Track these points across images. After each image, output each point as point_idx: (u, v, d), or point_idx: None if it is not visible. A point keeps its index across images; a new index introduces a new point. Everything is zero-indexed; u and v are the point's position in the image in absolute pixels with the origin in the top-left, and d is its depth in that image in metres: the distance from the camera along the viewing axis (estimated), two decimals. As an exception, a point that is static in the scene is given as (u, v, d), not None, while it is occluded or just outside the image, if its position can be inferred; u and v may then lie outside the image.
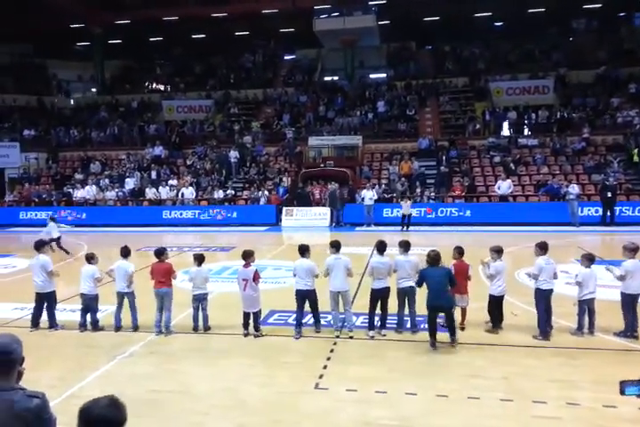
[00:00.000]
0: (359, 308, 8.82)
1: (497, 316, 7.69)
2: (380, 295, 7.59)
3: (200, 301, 7.91)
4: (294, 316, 8.00)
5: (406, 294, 7.61)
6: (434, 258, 7.11)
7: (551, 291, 7.39)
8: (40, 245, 8.36)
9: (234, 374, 6.34)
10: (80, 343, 7.56)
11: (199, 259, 8.09)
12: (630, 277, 7.20)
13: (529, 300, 8.26)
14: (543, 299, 7.33)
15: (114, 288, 8.13)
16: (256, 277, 7.58)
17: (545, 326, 7.31)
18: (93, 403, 2.20)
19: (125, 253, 8.15)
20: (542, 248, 7.54)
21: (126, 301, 7.98)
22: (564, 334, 7.43)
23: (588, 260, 7.47)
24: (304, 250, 7.78)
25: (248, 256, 7.72)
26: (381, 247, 7.72)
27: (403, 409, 5.32)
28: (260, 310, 7.84)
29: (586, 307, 7.33)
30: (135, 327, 7.98)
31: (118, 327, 7.96)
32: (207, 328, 7.94)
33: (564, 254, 12.91)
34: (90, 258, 8.19)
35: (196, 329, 7.92)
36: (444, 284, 6.97)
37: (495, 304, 7.69)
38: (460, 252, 7.87)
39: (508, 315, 8.24)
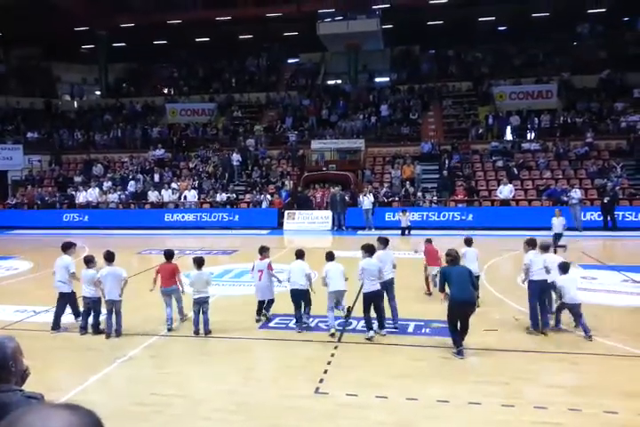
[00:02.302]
0: (361, 312, 8.80)
1: None
2: (372, 297, 7.60)
3: (201, 304, 7.86)
4: (295, 320, 8.15)
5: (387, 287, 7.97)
6: (455, 257, 7.12)
7: (545, 281, 7.57)
8: (67, 247, 8.45)
9: (235, 377, 6.32)
10: (80, 346, 7.56)
11: (199, 262, 8.05)
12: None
13: (524, 303, 8.25)
14: (537, 291, 7.52)
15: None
16: (270, 267, 8.31)
17: (536, 318, 7.47)
18: None
19: (110, 257, 7.96)
20: (529, 244, 7.82)
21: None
22: (567, 340, 7.39)
23: (563, 268, 7.62)
24: (300, 254, 8.24)
25: (264, 251, 8.51)
26: (369, 249, 7.82)
27: (403, 414, 5.29)
28: (273, 300, 8.47)
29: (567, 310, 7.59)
30: (119, 333, 7.86)
31: (109, 334, 7.84)
32: (208, 332, 7.90)
33: (567, 259, 12.86)
34: (88, 261, 8.10)
35: (196, 333, 7.88)
36: (467, 281, 6.91)
37: None
38: (428, 240, 10.44)
39: (510, 320, 8.22)
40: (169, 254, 8.41)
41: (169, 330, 8.04)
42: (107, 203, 23.59)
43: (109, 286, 7.76)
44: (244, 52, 35.42)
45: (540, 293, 7.56)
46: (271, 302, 8.47)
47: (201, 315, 7.87)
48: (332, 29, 28.34)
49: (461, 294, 6.79)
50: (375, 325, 7.65)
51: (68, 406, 1.15)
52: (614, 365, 6.46)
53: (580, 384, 5.89)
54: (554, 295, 7.93)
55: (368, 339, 7.47)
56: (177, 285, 8.21)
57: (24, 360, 2.52)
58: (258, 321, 8.37)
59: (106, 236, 20.57)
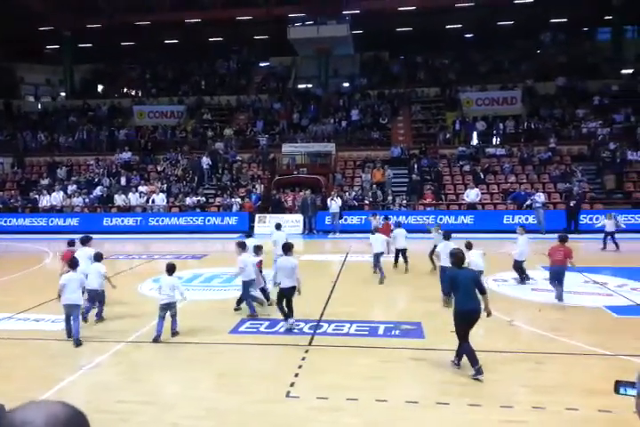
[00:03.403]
0: (332, 315, 8.86)
1: None
2: (288, 293, 7.98)
3: (168, 309, 7.77)
4: (266, 324, 8.26)
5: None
6: (461, 258, 6.62)
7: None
8: (86, 240, 9.84)
9: (204, 383, 6.26)
10: (45, 354, 7.35)
11: (169, 268, 7.97)
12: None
13: (490, 304, 8.44)
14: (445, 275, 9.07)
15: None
16: (258, 265, 9.56)
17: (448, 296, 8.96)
18: None
19: (74, 264, 7.97)
20: (444, 236, 10.30)
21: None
22: (532, 340, 7.60)
23: (468, 246, 9.82)
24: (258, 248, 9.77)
25: (259, 249, 9.73)
26: (287, 248, 8.27)
27: (373, 416, 5.34)
28: (267, 289, 9.63)
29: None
30: (77, 340, 7.58)
31: (70, 337, 7.69)
32: (175, 333, 7.87)
33: (531, 261, 13.19)
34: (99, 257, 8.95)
35: (156, 340, 7.58)
36: (473, 287, 6.35)
37: None
38: (386, 217, 14.74)
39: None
40: (70, 242, 10.13)
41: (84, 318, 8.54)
42: (71, 207, 23.02)
43: (70, 291, 7.63)
44: (214, 55, 35.20)
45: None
46: (265, 288, 9.59)
47: (167, 319, 7.78)
48: (302, 34, 28.49)
49: (467, 303, 6.29)
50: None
51: (51, 401, 1.27)
52: (577, 363, 6.66)
53: (543, 383, 6.05)
54: None
55: (289, 329, 7.97)
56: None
57: None
58: (270, 305, 9.31)
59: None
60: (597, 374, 6.24)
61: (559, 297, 9.45)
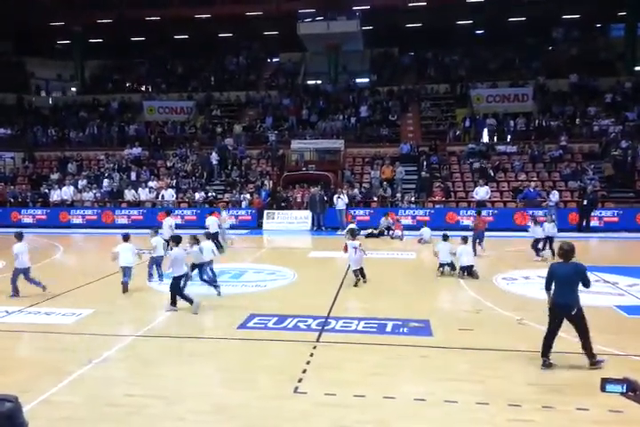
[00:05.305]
0: (340, 312, 8.86)
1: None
2: (182, 280, 9.27)
3: (209, 264, 10.70)
4: (274, 320, 8.30)
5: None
6: (565, 250, 6.46)
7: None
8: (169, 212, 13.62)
9: (211, 378, 6.29)
10: (54, 347, 7.41)
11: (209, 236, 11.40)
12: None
13: (500, 303, 8.40)
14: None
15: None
16: (361, 245, 11.22)
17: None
18: None
19: (126, 238, 10.66)
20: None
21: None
22: (541, 338, 7.52)
23: (443, 236, 11.84)
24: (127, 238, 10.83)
25: (354, 233, 11.50)
26: (176, 240, 9.57)
27: (381, 413, 5.33)
28: (363, 268, 11.08)
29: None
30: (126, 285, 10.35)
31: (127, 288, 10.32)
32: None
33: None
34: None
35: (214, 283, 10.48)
36: (572, 281, 6.30)
37: None
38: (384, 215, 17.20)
39: (485, 318, 8.35)
40: None
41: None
42: (82, 201, 23.17)
43: (124, 257, 10.26)
44: (224, 51, 35.22)
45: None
46: (362, 269, 11.06)
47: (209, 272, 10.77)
48: (312, 29, 28.42)
49: (559, 297, 6.37)
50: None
51: None
52: (587, 363, 6.60)
53: (553, 382, 6.01)
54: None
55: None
56: None
57: None
58: (356, 284, 10.84)
59: (85, 235, 20.27)
60: (608, 375, 6.16)
61: (480, 251, 13.47)
